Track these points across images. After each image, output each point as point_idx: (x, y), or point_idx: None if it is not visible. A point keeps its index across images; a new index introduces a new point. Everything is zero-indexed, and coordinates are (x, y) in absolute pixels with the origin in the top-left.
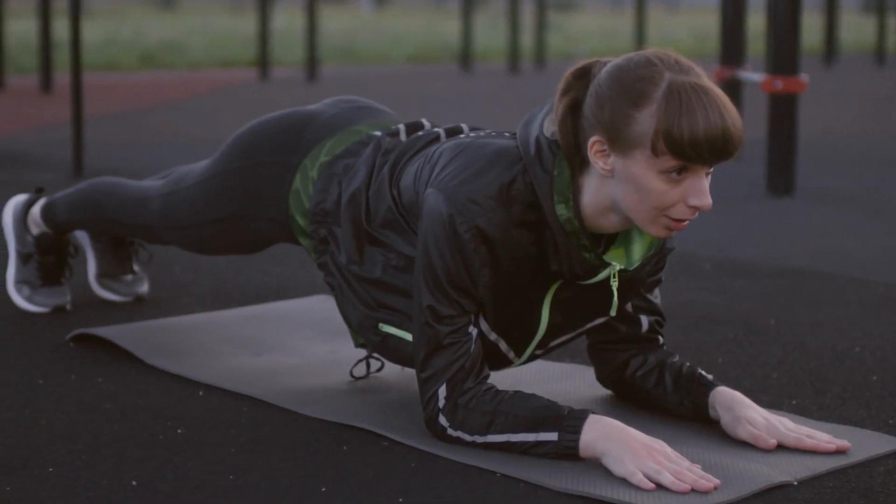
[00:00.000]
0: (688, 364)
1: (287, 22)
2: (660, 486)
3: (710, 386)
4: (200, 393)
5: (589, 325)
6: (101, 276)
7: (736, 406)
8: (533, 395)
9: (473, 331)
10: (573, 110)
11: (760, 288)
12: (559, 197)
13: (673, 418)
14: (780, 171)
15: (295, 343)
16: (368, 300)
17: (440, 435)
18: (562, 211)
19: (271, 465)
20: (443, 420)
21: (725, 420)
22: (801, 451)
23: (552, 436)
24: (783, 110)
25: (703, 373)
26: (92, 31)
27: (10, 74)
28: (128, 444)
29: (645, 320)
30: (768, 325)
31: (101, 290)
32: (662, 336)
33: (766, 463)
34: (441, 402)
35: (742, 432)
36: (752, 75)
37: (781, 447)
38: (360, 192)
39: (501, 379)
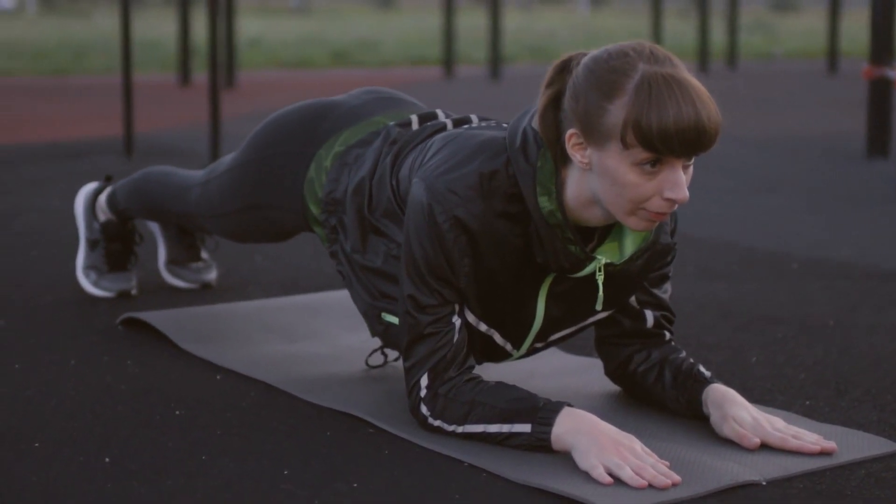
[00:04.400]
0: (689, 360)
1: (508, 20)
2: (619, 481)
3: (706, 383)
4: (218, 377)
5: (591, 320)
6: (170, 263)
7: (726, 404)
8: (513, 387)
9: (457, 321)
10: (554, 103)
11: (837, 289)
12: (542, 189)
13: (668, 414)
14: None
15: (330, 332)
16: (372, 289)
17: (423, 424)
18: (544, 203)
19: (247, 448)
20: (424, 409)
21: (714, 417)
22: (784, 452)
23: (526, 427)
24: None
25: (702, 369)
26: (295, 29)
27: (197, 72)
28: (122, 424)
29: (650, 315)
30: (825, 326)
31: (170, 276)
32: (670, 331)
33: (741, 462)
34: (423, 392)
35: (727, 430)
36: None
37: (766, 447)
38: (364, 182)
39: (516, 371)
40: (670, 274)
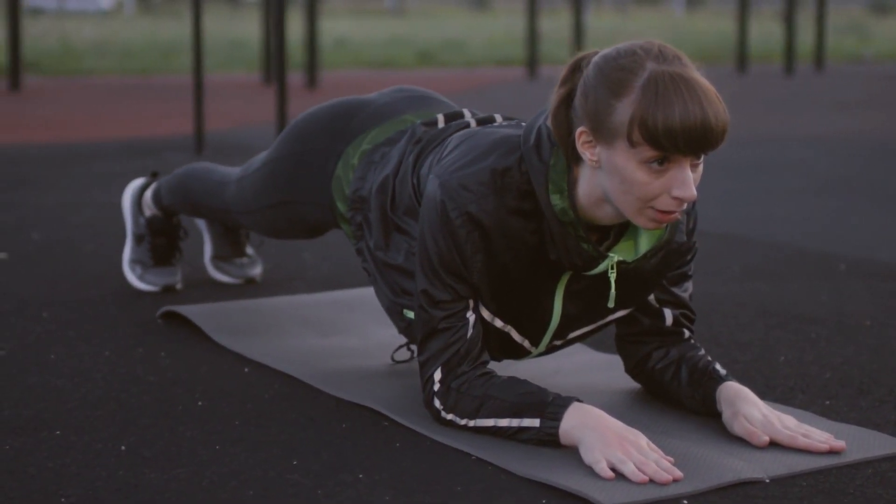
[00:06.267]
0: (707, 358)
1: (594, 23)
2: (622, 476)
3: (720, 380)
4: (246, 370)
5: (610, 318)
6: (216, 258)
7: (738, 401)
8: (524, 382)
9: (471, 317)
10: (567, 102)
11: (880, 290)
12: (554, 187)
13: (683, 411)
14: None
15: (363, 327)
16: (394, 286)
17: (436, 417)
18: (556, 201)
19: (262, 438)
20: (437, 403)
21: (725, 415)
22: (792, 450)
23: (535, 422)
24: None
25: (718, 367)
26: (385, 30)
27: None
28: (143, 413)
29: (669, 314)
30: (861, 326)
31: (215, 271)
32: (690, 330)
33: (747, 459)
34: (436, 386)
35: (737, 428)
36: None
37: (776, 445)
38: (388, 180)
39: (542, 368)
40: (690, 273)
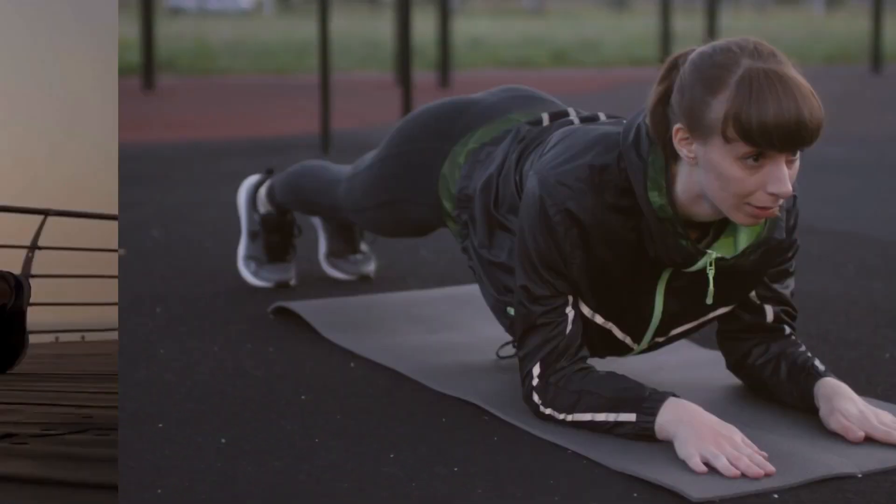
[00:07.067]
0: (806, 355)
1: (731, 23)
2: (714, 470)
3: (818, 376)
4: (352, 364)
5: (711, 315)
6: (330, 255)
7: (835, 397)
8: (621, 377)
9: (570, 312)
10: (664, 99)
11: None
12: (652, 184)
13: (781, 407)
14: None
15: (472, 323)
16: (497, 284)
17: (535, 412)
18: (655, 198)
19: (361, 432)
20: (536, 398)
21: (822, 410)
22: (888, 446)
23: (631, 417)
24: None
25: (817, 363)
26: (523, 30)
27: (418, 70)
28: (246, 407)
29: (770, 310)
30: None
31: (330, 268)
32: (791, 326)
33: (841, 454)
34: (535, 381)
35: (833, 423)
36: None
37: (871, 441)
38: (492, 179)
39: (645, 364)
40: (792, 269)
